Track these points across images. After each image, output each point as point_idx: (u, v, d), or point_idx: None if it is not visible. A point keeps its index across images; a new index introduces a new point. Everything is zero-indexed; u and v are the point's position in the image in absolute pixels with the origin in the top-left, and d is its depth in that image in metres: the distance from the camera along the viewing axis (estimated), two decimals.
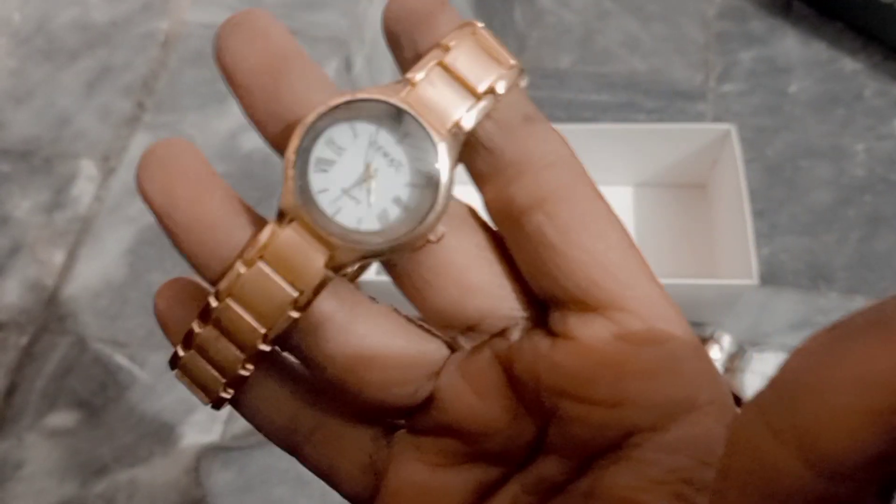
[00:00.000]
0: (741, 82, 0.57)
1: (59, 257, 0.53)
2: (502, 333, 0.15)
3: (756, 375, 0.45)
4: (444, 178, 0.14)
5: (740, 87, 0.57)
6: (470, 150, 0.15)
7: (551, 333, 0.15)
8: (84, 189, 0.55)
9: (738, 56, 0.59)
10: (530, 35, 0.61)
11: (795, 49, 0.59)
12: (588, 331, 0.14)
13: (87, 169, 0.56)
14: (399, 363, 0.15)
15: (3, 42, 0.62)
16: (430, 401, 0.16)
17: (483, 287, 0.15)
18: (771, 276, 0.50)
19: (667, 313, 0.14)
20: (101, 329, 0.50)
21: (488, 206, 0.15)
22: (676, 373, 0.14)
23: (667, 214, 0.52)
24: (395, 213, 0.14)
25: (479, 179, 0.15)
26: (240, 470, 0.45)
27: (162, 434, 0.46)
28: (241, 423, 0.47)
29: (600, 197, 0.15)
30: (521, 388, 0.15)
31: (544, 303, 0.15)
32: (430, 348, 0.15)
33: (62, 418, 0.47)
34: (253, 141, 0.57)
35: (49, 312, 0.51)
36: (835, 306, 0.49)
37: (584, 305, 0.14)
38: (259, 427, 0.17)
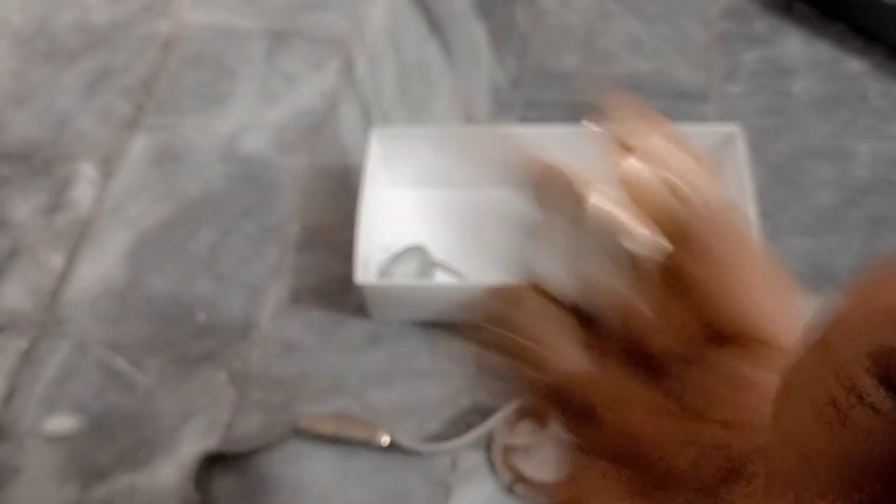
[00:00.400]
0: (744, 83, 0.57)
1: (58, 260, 0.53)
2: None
3: None
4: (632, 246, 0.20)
5: (743, 88, 0.57)
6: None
7: (706, 363, 0.19)
8: (84, 191, 0.55)
9: (741, 57, 0.58)
10: (533, 36, 0.61)
11: (798, 50, 0.59)
12: (741, 363, 0.18)
13: (87, 171, 0.56)
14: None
15: (3, 44, 0.62)
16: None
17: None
18: None
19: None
20: (101, 333, 0.50)
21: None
22: None
23: None
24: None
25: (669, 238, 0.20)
26: (239, 475, 0.45)
27: (162, 439, 0.46)
28: (241, 429, 0.47)
29: (764, 255, 0.20)
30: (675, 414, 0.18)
31: (704, 337, 0.19)
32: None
33: (62, 423, 0.47)
34: (253, 143, 0.57)
35: (49, 316, 0.51)
36: None
37: (743, 341, 0.18)
38: None
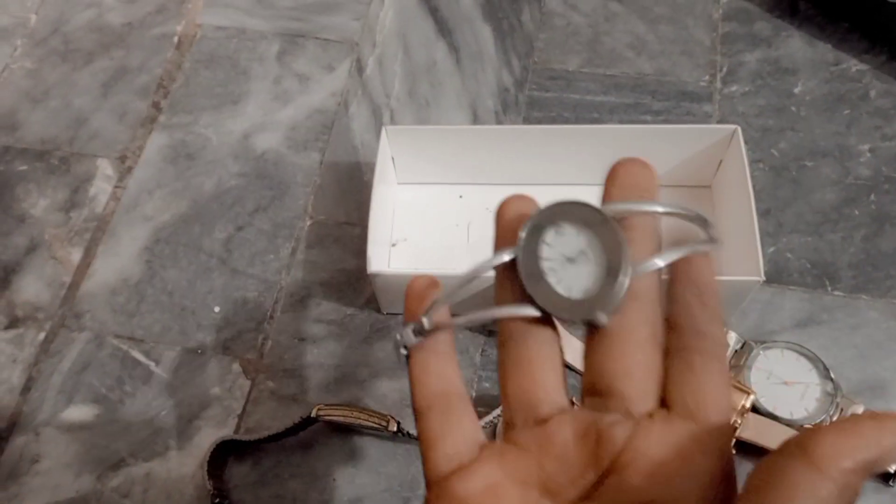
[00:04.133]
0: (747, 83, 0.58)
1: (76, 255, 0.54)
2: (617, 410, 0.21)
3: (761, 372, 0.46)
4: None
5: (746, 88, 0.58)
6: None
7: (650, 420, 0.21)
8: (101, 188, 0.56)
9: (744, 57, 0.59)
10: (538, 37, 0.62)
11: (801, 50, 0.59)
12: (684, 428, 0.20)
13: (104, 168, 0.57)
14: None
15: (20, 43, 0.63)
16: (541, 421, 0.22)
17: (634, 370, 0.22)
18: (776, 275, 0.50)
19: (728, 437, 0.20)
20: (117, 325, 0.51)
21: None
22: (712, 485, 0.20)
23: None
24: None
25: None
26: (254, 464, 0.46)
27: (177, 428, 0.47)
28: (255, 418, 0.47)
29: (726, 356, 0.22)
30: (607, 447, 0.20)
31: (666, 402, 0.21)
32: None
33: (79, 413, 0.48)
34: (266, 141, 0.57)
35: (66, 309, 0.52)
36: (839, 305, 0.49)
37: (692, 417, 0.20)
38: (416, 382, 0.23)
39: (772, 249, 0.51)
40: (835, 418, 0.44)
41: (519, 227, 0.23)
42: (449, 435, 0.22)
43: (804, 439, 0.17)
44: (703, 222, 0.23)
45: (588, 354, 0.22)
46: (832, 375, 0.45)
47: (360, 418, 0.44)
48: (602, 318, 0.21)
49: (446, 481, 0.21)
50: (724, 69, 0.59)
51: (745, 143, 0.48)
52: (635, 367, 0.21)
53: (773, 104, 0.57)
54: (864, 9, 0.58)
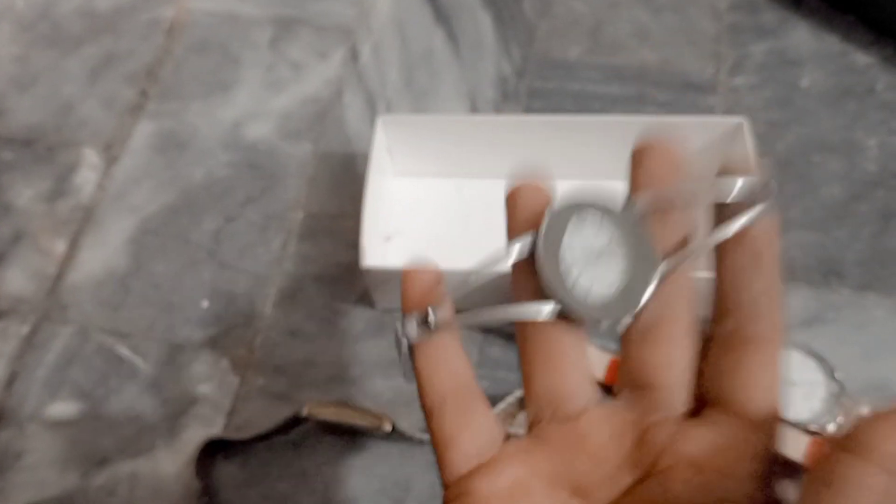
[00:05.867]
0: (752, 75, 0.57)
1: (61, 246, 0.52)
2: (657, 405, 0.20)
3: None
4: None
5: (751, 80, 0.57)
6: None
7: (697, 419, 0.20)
8: (87, 177, 0.55)
9: (750, 48, 0.58)
10: (539, 26, 0.60)
11: (807, 42, 0.58)
12: (729, 428, 0.19)
13: (90, 157, 0.56)
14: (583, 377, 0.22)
15: (7, 29, 0.62)
16: (570, 417, 0.21)
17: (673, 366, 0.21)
18: (782, 272, 0.49)
19: (774, 437, 0.19)
20: (103, 319, 0.50)
21: (715, 330, 0.21)
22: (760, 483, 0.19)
23: None
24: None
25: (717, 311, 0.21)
26: (242, 463, 0.45)
27: (164, 426, 0.46)
28: (244, 416, 0.46)
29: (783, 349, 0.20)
30: (646, 449, 0.20)
31: (705, 398, 0.20)
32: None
33: (63, 408, 0.47)
34: (257, 130, 0.56)
35: (51, 301, 0.50)
36: (846, 302, 0.48)
37: (738, 413, 0.19)
38: (425, 377, 0.22)
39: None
40: (839, 419, 0.43)
41: (534, 215, 0.21)
42: (466, 432, 0.21)
43: (855, 431, 0.16)
44: (755, 188, 0.21)
45: (625, 345, 0.21)
46: (837, 375, 0.44)
47: (352, 417, 0.43)
48: (625, 324, 0.21)
49: (467, 480, 0.20)
50: (730, 61, 0.58)
51: (752, 136, 0.47)
52: (677, 359, 0.20)
53: (779, 97, 0.56)
54: (869, 1, 0.57)
